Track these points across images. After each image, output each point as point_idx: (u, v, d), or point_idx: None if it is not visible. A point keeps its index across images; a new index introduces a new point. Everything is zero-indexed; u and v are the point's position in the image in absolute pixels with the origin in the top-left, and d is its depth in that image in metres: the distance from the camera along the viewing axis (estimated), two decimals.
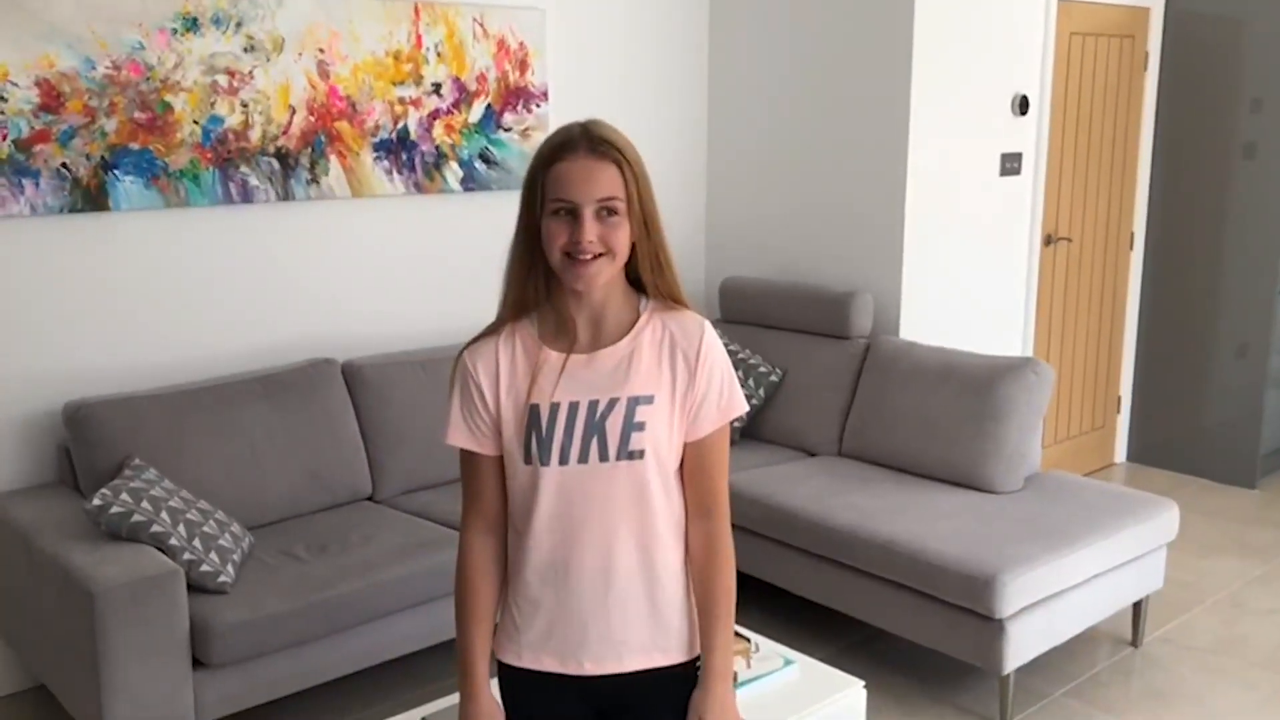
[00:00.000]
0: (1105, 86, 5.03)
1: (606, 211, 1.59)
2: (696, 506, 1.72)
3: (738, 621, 3.01)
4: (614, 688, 1.73)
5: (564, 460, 1.64)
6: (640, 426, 1.63)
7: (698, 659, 1.77)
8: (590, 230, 1.58)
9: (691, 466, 1.71)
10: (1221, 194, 5.16)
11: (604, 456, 1.64)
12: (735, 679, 2.68)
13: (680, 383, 1.66)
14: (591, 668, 1.71)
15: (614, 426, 1.63)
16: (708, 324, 1.71)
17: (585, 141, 1.60)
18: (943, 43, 4.21)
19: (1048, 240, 4.90)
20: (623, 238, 1.61)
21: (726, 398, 1.69)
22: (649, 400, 1.64)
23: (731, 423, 1.74)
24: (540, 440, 1.64)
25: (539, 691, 1.75)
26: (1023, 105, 4.54)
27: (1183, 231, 5.32)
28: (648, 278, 1.68)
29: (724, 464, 1.74)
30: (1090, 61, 4.91)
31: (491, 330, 1.71)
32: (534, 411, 1.65)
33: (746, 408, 1.75)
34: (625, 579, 1.68)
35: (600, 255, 1.60)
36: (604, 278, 1.62)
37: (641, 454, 1.64)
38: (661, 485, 1.68)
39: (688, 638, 1.75)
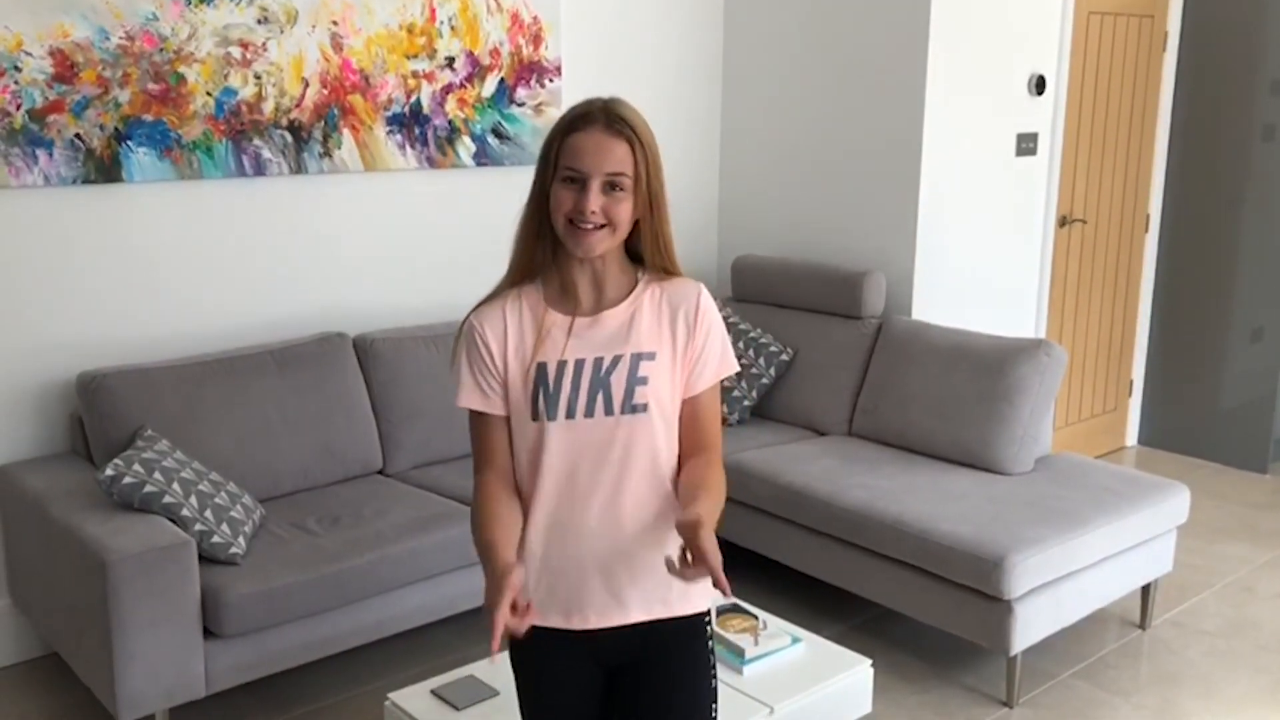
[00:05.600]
0: (1123, 67, 4.98)
1: (613, 185, 1.66)
2: (692, 448, 1.78)
3: (745, 598, 3.01)
4: (619, 641, 1.77)
5: (570, 415, 1.70)
6: (644, 381, 1.71)
7: (705, 613, 1.82)
8: (595, 200, 1.64)
9: (688, 420, 1.78)
10: (1239, 177, 5.12)
11: (609, 410, 1.70)
12: (743, 655, 2.70)
13: (680, 341, 1.74)
14: (596, 620, 1.76)
15: (619, 381, 1.70)
16: (703, 287, 1.80)
17: (603, 117, 1.67)
18: (959, 21, 4.18)
19: (1062, 221, 4.87)
20: (624, 212, 1.68)
21: (720, 356, 1.78)
22: (651, 356, 1.72)
23: (722, 383, 1.83)
24: (548, 396, 1.70)
25: (548, 651, 1.79)
26: (1039, 85, 4.50)
27: (1199, 214, 5.28)
28: (648, 254, 1.75)
29: (718, 414, 1.82)
30: (1108, 41, 4.87)
31: (497, 294, 1.78)
32: (541, 369, 1.71)
33: (738, 367, 1.84)
34: (629, 532, 1.73)
35: (602, 227, 1.66)
36: (602, 247, 1.69)
37: (645, 407, 1.70)
38: (665, 439, 1.74)
39: (690, 591, 1.77)
